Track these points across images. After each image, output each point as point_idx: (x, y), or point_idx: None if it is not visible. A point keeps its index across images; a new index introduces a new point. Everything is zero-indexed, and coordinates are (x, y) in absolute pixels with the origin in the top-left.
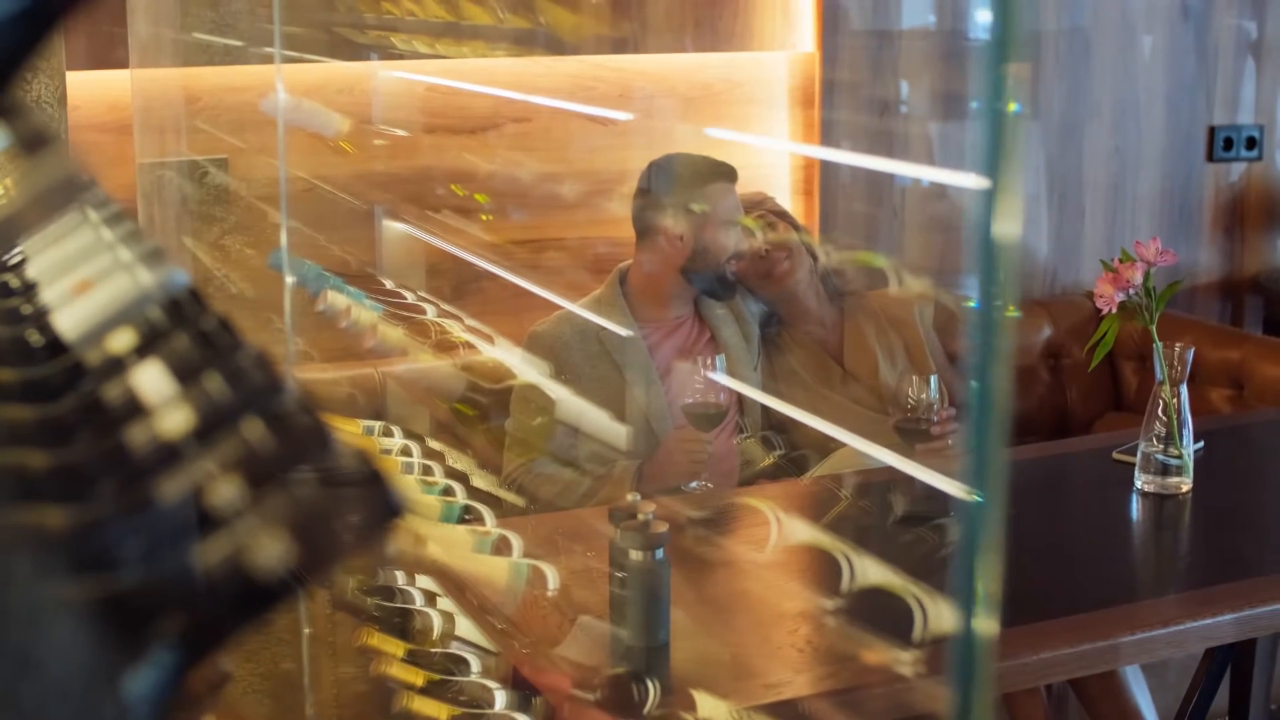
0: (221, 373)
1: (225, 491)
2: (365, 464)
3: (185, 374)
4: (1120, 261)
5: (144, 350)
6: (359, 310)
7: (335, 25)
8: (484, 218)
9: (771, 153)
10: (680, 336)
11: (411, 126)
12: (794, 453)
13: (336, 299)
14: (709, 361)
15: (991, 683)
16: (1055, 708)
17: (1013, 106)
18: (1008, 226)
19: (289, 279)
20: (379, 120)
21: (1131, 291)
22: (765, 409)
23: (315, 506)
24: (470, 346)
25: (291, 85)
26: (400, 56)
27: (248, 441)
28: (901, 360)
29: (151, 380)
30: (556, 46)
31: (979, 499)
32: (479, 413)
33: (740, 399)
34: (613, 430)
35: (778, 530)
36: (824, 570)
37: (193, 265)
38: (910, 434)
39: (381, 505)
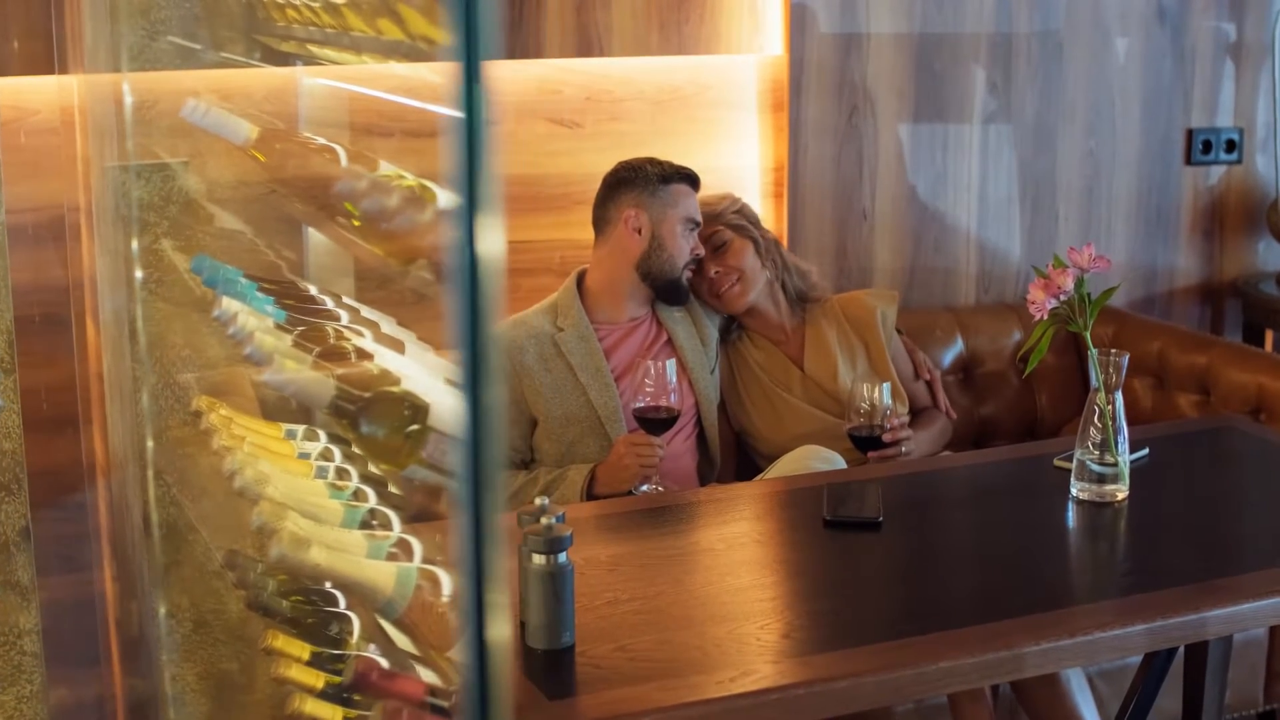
0: None
1: None
2: None
3: None
4: (1053, 267)
5: None
6: (246, 316)
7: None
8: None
9: (742, 154)
10: (637, 338)
11: (369, 130)
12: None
13: (230, 304)
14: (660, 365)
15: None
16: (1006, 713)
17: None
18: (488, 241)
19: (138, 274)
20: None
21: (1062, 297)
22: (722, 411)
23: None
24: (364, 354)
25: (244, 90)
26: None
27: None
28: (862, 364)
29: None
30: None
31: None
32: (347, 420)
33: (697, 401)
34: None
35: None
36: None
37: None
38: (862, 440)
39: None
